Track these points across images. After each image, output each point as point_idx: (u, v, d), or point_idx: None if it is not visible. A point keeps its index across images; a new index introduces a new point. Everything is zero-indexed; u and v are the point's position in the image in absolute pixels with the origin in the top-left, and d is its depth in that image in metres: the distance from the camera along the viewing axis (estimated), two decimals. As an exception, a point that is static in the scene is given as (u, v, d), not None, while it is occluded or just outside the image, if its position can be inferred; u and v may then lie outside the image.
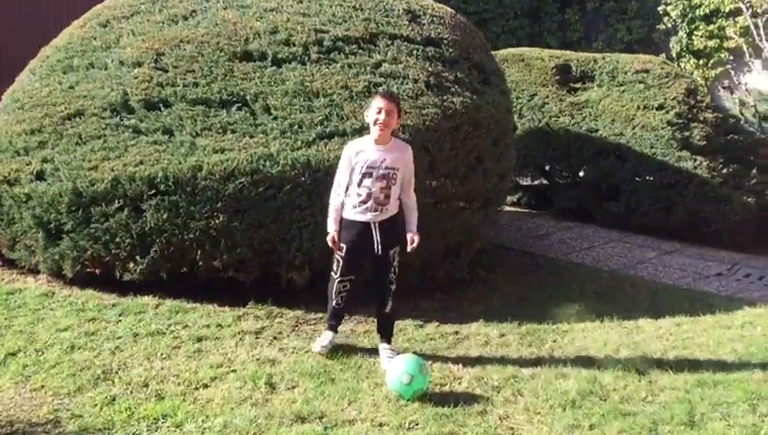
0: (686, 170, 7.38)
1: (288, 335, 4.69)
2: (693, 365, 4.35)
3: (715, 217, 7.27)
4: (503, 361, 4.38)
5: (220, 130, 5.21)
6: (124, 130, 5.32)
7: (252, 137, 5.13)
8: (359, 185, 4.20)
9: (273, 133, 5.13)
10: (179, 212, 4.92)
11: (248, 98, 5.38)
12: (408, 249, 4.37)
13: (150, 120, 5.35)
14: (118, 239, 5.01)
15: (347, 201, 4.28)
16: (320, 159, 4.93)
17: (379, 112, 4.14)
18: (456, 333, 4.83)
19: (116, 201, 4.97)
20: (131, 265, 5.10)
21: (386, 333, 4.47)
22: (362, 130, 5.09)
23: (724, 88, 9.40)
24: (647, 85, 8.07)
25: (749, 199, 7.30)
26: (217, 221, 4.90)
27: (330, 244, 4.29)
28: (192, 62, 5.67)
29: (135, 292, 5.18)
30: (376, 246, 4.25)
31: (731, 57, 15.73)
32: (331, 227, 4.28)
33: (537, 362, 4.37)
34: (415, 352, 4.45)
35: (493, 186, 5.83)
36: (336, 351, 4.41)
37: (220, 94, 5.41)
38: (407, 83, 5.47)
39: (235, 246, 4.98)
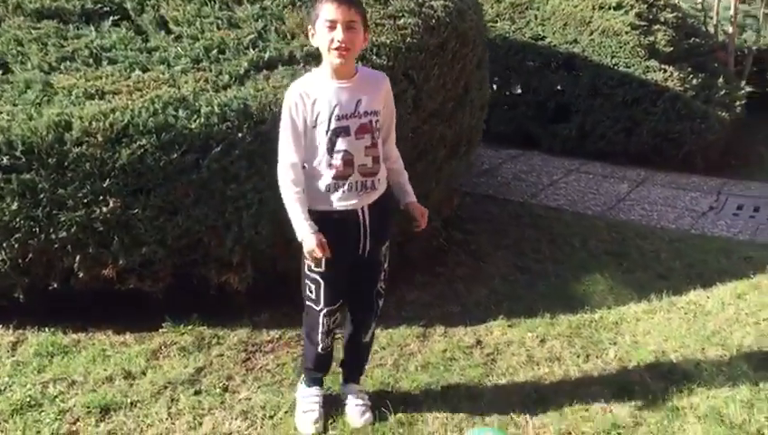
0: (655, 83, 6.22)
1: (243, 380, 3.05)
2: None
3: (688, 138, 6.23)
4: (571, 390, 3.01)
5: (90, 61, 3.31)
6: None
7: (146, 70, 3.27)
8: (329, 152, 2.52)
9: (179, 63, 3.29)
10: (39, 199, 3.05)
11: (128, 6, 3.46)
12: (421, 227, 2.78)
13: (-35, 48, 3.33)
14: (-66, 247, 3.08)
15: (307, 185, 2.56)
16: (262, 103, 3.18)
17: (333, 28, 2.42)
18: (479, 342, 3.40)
19: (-77, 187, 3.02)
20: (-38, 283, 3.21)
21: (358, 370, 2.95)
22: (319, 55, 3.39)
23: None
24: (598, -21, 6.76)
25: (723, 114, 6.32)
26: (106, 208, 3.08)
27: (315, 254, 2.49)
28: (25, -50, 3.61)
29: (-28, 322, 3.34)
30: (363, 244, 2.63)
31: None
32: (307, 226, 2.49)
33: (615, 384, 3.05)
34: (443, 389, 3.01)
35: (476, 121, 4.33)
36: (331, 407, 2.86)
37: (81, 1, 3.45)
38: (367, -20, 3.75)
39: (136, 243, 3.20)
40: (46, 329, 3.34)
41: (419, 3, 3.77)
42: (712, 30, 7.65)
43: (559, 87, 6.58)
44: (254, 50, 3.34)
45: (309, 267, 2.64)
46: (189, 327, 3.39)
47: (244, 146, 3.15)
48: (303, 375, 2.89)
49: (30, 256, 3.16)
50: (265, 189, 3.20)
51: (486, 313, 3.70)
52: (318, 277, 2.64)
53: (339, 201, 2.55)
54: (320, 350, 2.76)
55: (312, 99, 2.48)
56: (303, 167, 2.54)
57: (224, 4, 3.50)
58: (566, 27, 6.53)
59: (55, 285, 3.25)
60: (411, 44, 3.56)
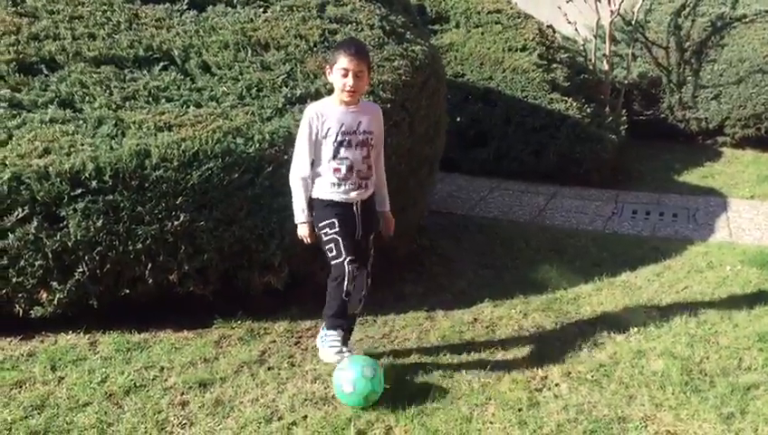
0: (559, 112, 7.36)
1: (303, 357, 3.70)
2: (722, 312, 4.28)
3: (588, 157, 7.38)
4: (559, 346, 3.89)
5: (150, 100, 3.88)
6: (-4, 106, 3.72)
7: (199, 106, 3.90)
8: (334, 157, 3.36)
9: (228, 100, 3.94)
10: (121, 216, 3.58)
11: (175, 54, 4.07)
12: (386, 234, 3.70)
13: (34, 90, 3.81)
14: (23, 263, 3.53)
15: (316, 181, 3.42)
16: (301, 131, 3.89)
17: (346, 75, 3.28)
18: (476, 319, 4.22)
19: (18, 209, 3.47)
20: (44, 295, 3.66)
21: (350, 334, 3.71)
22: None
23: (547, 27, 9.62)
24: (503, 26, 7.86)
25: (613, 137, 7.54)
26: (176, 222, 3.67)
27: (304, 237, 3.45)
28: (73, 5, 4.13)
29: (42, 331, 3.79)
30: (357, 230, 3.47)
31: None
32: (303, 215, 3.42)
33: (590, 340, 3.96)
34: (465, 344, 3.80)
35: (441, 144, 5.20)
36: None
37: (134, 49, 4.04)
38: (362, 29, 4.55)
39: (198, 251, 3.79)
40: (112, 331, 3.84)
41: (405, 48, 4.61)
42: (591, 68, 8.98)
43: (477, 117, 7.59)
44: (286, 88, 4.04)
45: (326, 232, 3.40)
46: (239, 322, 3.99)
47: (288, 166, 3.83)
48: (325, 323, 3.55)
49: (107, 266, 3.68)
50: (304, 202, 3.89)
51: (472, 298, 4.52)
52: (335, 235, 3.38)
53: (341, 195, 3.39)
54: (344, 296, 3.42)
55: (325, 117, 3.32)
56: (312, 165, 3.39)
57: (254, 51, 4.17)
58: (482, 66, 7.58)
59: (127, 291, 3.77)
60: (405, 81, 4.39)
